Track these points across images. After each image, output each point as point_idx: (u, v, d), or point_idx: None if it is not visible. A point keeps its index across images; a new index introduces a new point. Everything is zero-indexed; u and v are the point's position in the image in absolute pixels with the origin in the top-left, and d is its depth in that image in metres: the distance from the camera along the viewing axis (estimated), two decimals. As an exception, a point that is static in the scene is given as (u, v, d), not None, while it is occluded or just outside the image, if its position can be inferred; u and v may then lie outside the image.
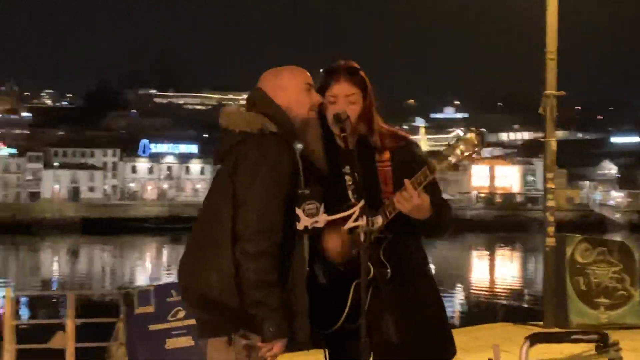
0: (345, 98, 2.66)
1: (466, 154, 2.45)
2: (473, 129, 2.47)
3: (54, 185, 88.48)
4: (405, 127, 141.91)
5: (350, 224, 2.46)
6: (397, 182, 2.58)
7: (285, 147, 2.49)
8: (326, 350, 2.72)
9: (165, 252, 47.76)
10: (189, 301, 2.52)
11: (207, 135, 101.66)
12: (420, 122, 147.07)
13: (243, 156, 2.45)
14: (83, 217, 71.99)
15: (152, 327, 5.30)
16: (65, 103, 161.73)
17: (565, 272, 7.49)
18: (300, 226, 2.44)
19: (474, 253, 49.63)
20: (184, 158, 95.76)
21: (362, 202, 2.43)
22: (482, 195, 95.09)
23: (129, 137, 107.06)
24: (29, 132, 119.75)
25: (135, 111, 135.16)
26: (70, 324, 5.34)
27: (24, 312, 19.16)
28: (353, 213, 2.45)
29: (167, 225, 63.58)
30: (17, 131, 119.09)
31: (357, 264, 2.46)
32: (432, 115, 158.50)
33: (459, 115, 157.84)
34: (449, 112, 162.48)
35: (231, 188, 2.43)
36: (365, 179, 2.55)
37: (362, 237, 2.42)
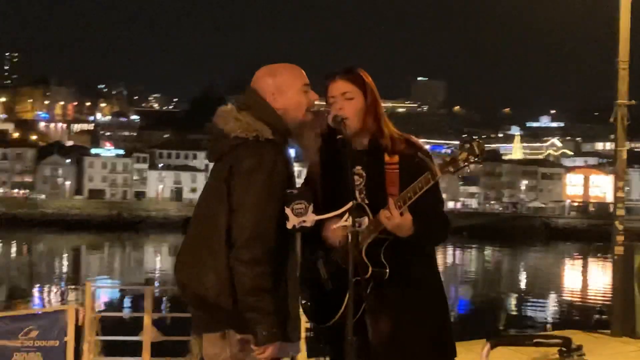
0: (341, 96, 2.70)
1: (467, 163, 2.48)
2: (475, 138, 2.51)
3: (159, 185, 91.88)
4: (500, 135, 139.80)
5: (341, 223, 2.49)
6: (404, 186, 2.59)
7: (280, 153, 2.49)
8: (327, 357, 2.79)
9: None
10: (187, 299, 2.55)
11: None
12: (515, 130, 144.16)
13: (239, 162, 2.45)
14: (185, 216, 74.42)
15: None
16: (172, 107, 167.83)
17: (634, 281, 7.43)
18: (288, 225, 2.45)
19: (565, 261, 48.36)
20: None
21: (350, 203, 2.44)
22: (575, 204, 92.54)
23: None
24: (136, 134, 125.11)
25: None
26: (146, 317, 5.43)
27: (127, 305, 20.42)
28: (344, 213, 2.45)
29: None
30: (125, 133, 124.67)
31: (357, 261, 2.48)
32: (528, 124, 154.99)
33: (555, 124, 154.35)
34: (544, 121, 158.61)
35: (226, 193, 2.45)
36: (371, 180, 2.60)
37: (349, 238, 2.45)
